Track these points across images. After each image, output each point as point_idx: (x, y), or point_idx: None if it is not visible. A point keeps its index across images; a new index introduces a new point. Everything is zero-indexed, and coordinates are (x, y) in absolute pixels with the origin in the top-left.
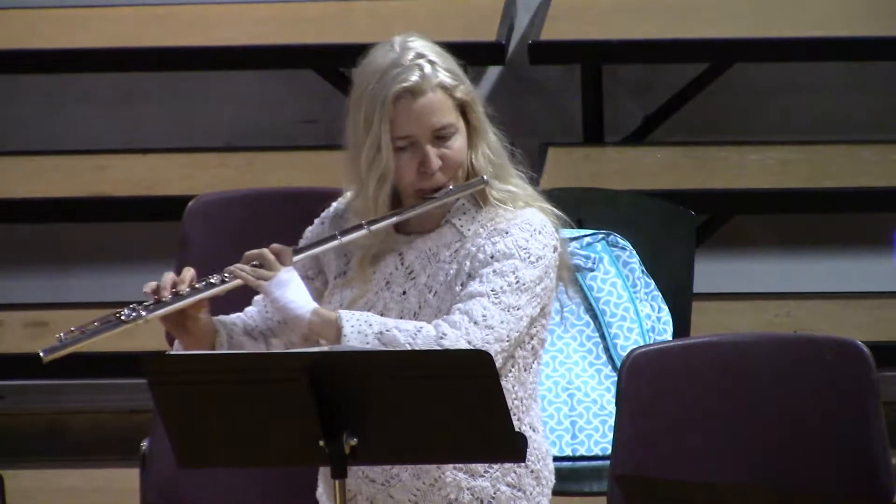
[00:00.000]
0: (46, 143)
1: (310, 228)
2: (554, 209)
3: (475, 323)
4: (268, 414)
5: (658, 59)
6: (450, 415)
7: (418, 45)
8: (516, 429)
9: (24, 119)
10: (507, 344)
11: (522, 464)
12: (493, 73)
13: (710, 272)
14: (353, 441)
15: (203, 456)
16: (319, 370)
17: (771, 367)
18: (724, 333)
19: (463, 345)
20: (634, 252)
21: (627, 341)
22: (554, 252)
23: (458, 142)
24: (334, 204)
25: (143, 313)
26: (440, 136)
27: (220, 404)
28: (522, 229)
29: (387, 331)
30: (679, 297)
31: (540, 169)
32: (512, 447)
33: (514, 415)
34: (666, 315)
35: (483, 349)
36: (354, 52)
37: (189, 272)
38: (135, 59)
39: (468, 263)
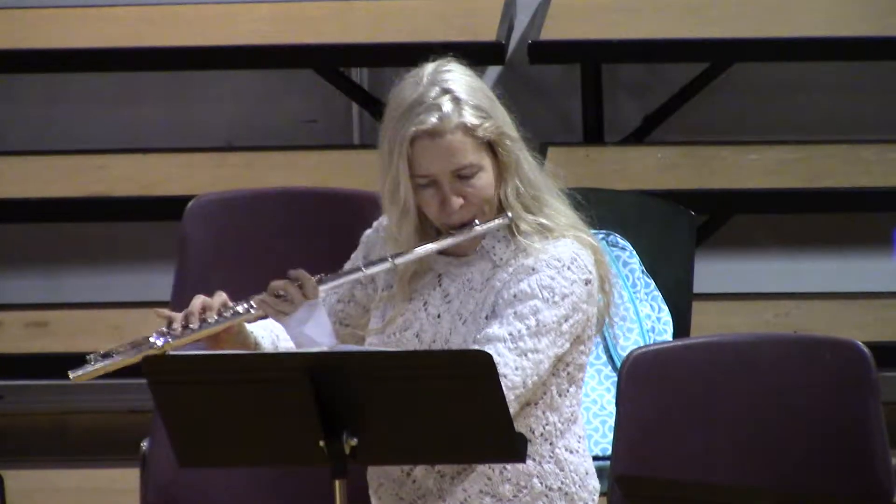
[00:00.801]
0: (46, 143)
1: (367, 234)
2: (591, 238)
3: None
4: (268, 414)
5: (658, 59)
6: (450, 415)
7: (448, 77)
8: (549, 453)
9: (24, 119)
10: (520, 391)
11: (555, 487)
12: (493, 73)
13: (710, 272)
14: (353, 441)
15: (203, 456)
16: (319, 370)
17: (771, 367)
18: (724, 333)
19: None
20: (634, 252)
21: (627, 341)
22: (586, 285)
23: (483, 179)
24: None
25: (171, 339)
26: (462, 176)
27: (220, 404)
28: (550, 266)
29: None
30: (679, 297)
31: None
32: (512, 447)
33: (547, 440)
34: (666, 315)
35: None
36: (354, 52)
37: (220, 297)
38: (135, 59)
39: (493, 297)
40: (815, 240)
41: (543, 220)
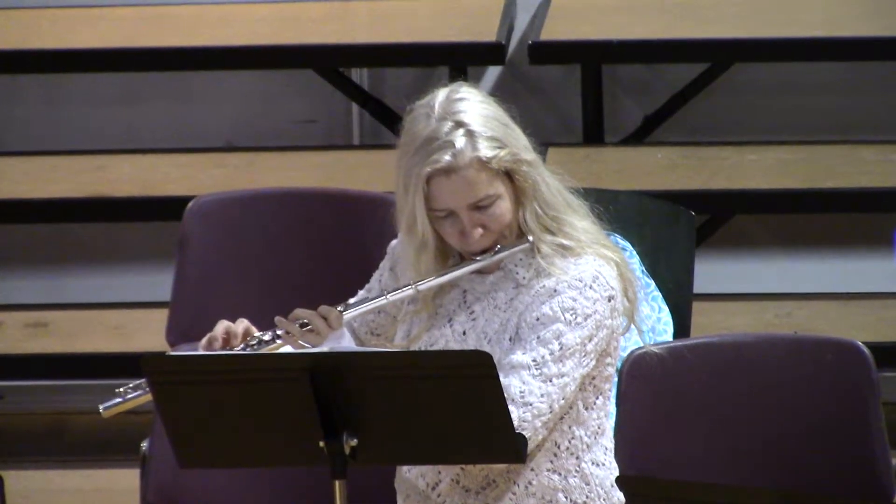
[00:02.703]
0: (46, 143)
1: (392, 245)
2: (613, 251)
3: (513, 401)
4: (268, 414)
5: (658, 59)
6: (450, 415)
7: (461, 108)
8: (576, 467)
9: (24, 119)
10: (547, 417)
11: (580, 501)
12: (493, 73)
13: (710, 272)
14: (353, 441)
15: (203, 456)
16: (319, 370)
17: (771, 367)
18: (724, 334)
19: None
20: (635, 252)
21: (627, 341)
22: (609, 301)
23: (501, 207)
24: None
25: None
26: (479, 207)
27: (220, 404)
28: (572, 287)
29: None
30: (679, 297)
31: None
32: (512, 447)
33: (573, 454)
34: (666, 315)
35: (521, 427)
36: (354, 52)
37: (243, 324)
38: (135, 59)
39: (516, 320)
40: (816, 240)
41: (563, 241)
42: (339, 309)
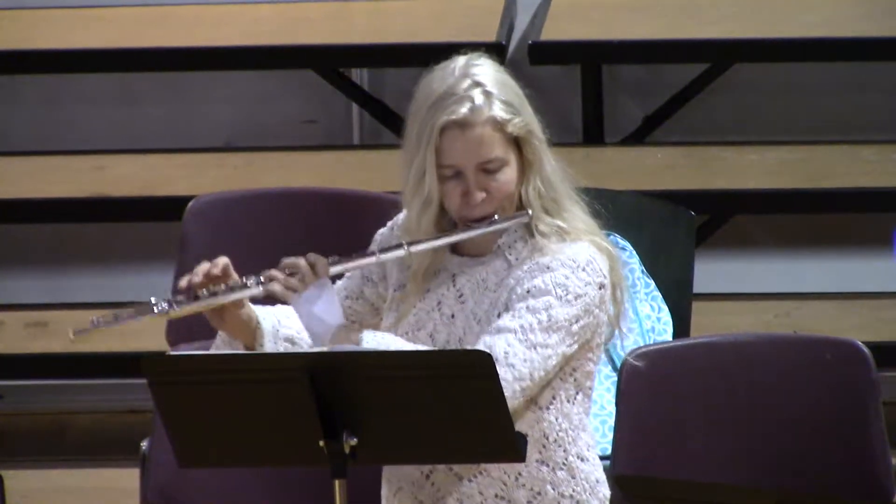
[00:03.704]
0: (46, 143)
1: (381, 231)
2: (608, 244)
3: (496, 360)
4: (268, 414)
5: (658, 59)
6: (450, 415)
7: (480, 71)
8: (563, 460)
9: (24, 119)
10: (527, 383)
11: (567, 494)
12: None
13: (710, 272)
14: (353, 441)
15: (203, 456)
16: (319, 370)
17: (771, 367)
18: (724, 334)
19: None
20: (634, 252)
21: (627, 341)
22: (600, 289)
23: (507, 174)
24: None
25: (175, 307)
26: (486, 169)
27: (220, 404)
28: (565, 265)
29: None
30: (679, 297)
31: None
32: (512, 447)
33: (560, 445)
34: (666, 315)
35: (502, 387)
36: (354, 52)
37: (223, 261)
38: (135, 59)
39: (506, 294)
40: (816, 240)
41: (561, 224)
42: (328, 260)
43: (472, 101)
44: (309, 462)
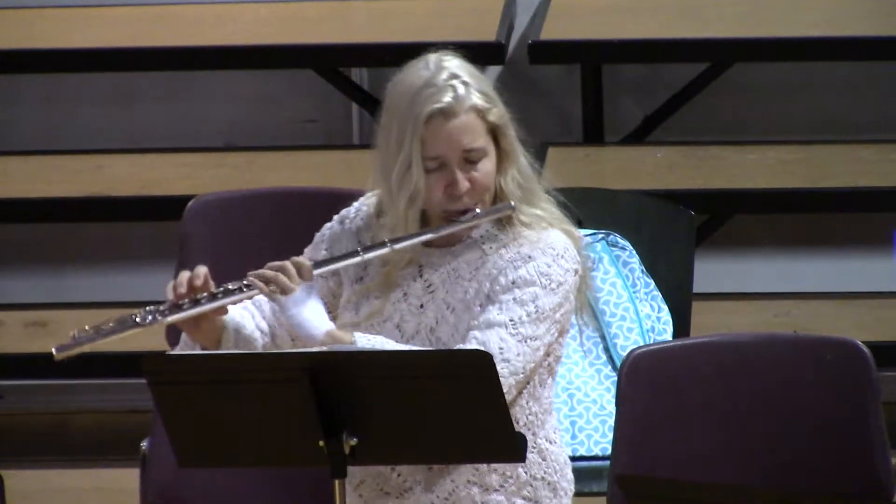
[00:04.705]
0: (46, 143)
1: (328, 226)
2: (577, 232)
3: (491, 356)
4: (268, 414)
5: (658, 59)
6: (450, 415)
7: (453, 64)
8: (532, 443)
9: (24, 119)
10: (521, 376)
11: (538, 476)
12: (493, 73)
13: (710, 272)
14: (353, 441)
15: (203, 456)
16: (319, 370)
17: (771, 367)
18: (723, 333)
19: None
20: (634, 252)
21: (627, 341)
22: (575, 275)
23: (487, 165)
24: (356, 204)
25: (159, 318)
26: (469, 160)
27: (220, 404)
28: (545, 253)
29: None
30: (679, 297)
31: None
32: (512, 447)
33: (529, 429)
34: (666, 315)
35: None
36: (354, 52)
37: (202, 270)
38: (134, 59)
39: (488, 285)
40: (816, 240)
41: (539, 213)
42: (310, 262)
43: (455, 90)
44: (309, 462)
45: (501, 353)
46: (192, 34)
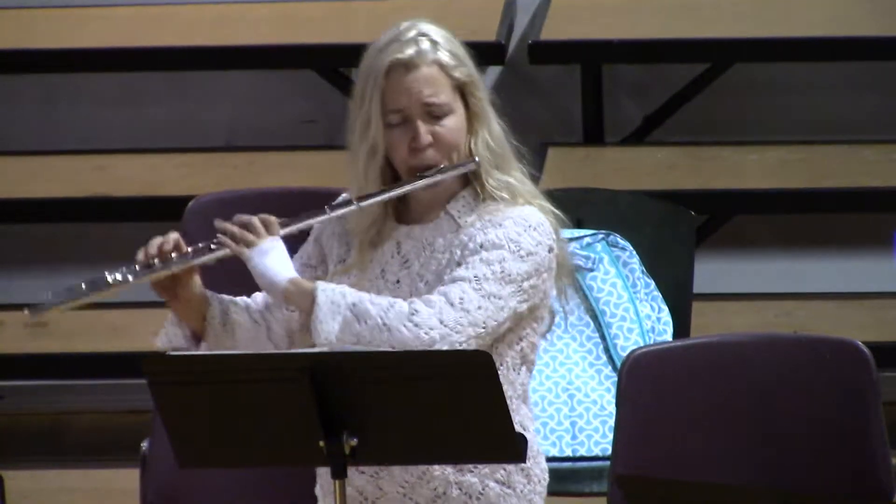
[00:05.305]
0: (46, 143)
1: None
2: (554, 209)
3: (451, 304)
4: (268, 414)
5: (658, 59)
6: (450, 415)
7: (424, 26)
8: None
9: (24, 119)
10: (481, 330)
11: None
12: (493, 73)
13: (710, 272)
14: (353, 441)
15: (203, 456)
16: (319, 370)
17: (771, 367)
18: (724, 334)
19: (434, 323)
20: (634, 252)
21: (627, 341)
22: (549, 252)
23: (453, 121)
24: (344, 195)
25: (130, 277)
26: (432, 114)
27: (220, 404)
28: (517, 223)
29: (360, 302)
30: (679, 297)
31: (540, 169)
32: (512, 447)
33: None
34: (666, 315)
35: (455, 330)
36: (354, 52)
37: (173, 235)
38: (135, 59)
39: (458, 252)
40: (816, 240)
41: (511, 181)
42: (277, 219)
43: (418, 45)
44: (309, 462)
45: (461, 304)
46: (192, 34)
